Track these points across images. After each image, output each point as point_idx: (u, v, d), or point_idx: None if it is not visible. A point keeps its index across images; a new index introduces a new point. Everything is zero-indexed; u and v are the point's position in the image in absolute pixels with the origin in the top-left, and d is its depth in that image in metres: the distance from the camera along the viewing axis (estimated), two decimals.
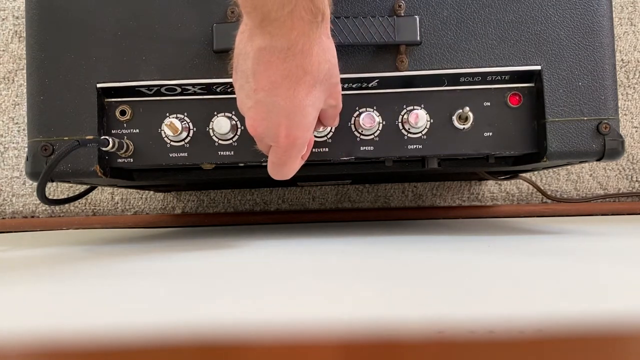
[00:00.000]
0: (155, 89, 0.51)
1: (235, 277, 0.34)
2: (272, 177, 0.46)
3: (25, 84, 0.80)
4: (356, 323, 0.21)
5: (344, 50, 0.50)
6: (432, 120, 0.51)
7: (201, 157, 0.51)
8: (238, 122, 0.51)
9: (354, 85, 0.51)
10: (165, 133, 0.50)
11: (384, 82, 0.51)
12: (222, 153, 0.51)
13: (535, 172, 0.87)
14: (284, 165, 0.44)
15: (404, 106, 0.51)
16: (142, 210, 0.90)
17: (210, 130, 0.51)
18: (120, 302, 0.27)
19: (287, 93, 0.40)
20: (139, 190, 0.89)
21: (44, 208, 0.89)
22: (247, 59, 0.40)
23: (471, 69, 0.50)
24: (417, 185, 0.89)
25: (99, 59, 0.51)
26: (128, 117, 0.51)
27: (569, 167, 0.87)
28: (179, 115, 0.51)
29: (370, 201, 0.90)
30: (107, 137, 0.48)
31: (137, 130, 0.51)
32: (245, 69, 0.41)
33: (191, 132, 0.51)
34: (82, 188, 0.78)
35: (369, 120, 0.50)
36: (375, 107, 0.51)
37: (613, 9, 0.54)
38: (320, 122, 0.47)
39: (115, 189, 0.89)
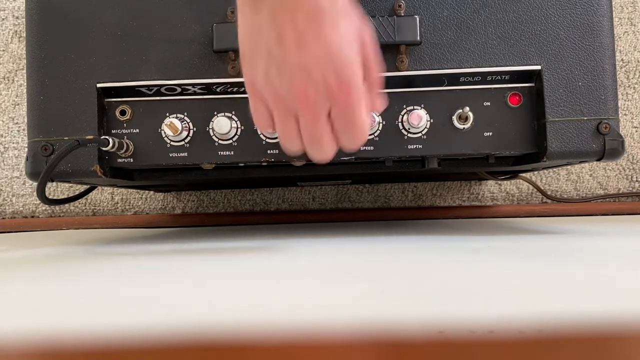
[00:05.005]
0: (155, 89, 0.51)
1: (234, 277, 0.34)
2: (347, 148, 0.42)
3: (25, 84, 0.80)
4: (356, 323, 0.21)
5: None
6: (432, 120, 0.51)
7: (201, 157, 0.51)
8: (238, 122, 0.51)
9: None
10: (165, 133, 0.50)
11: (384, 82, 0.51)
12: (222, 153, 0.51)
13: (535, 172, 0.87)
14: (354, 122, 0.40)
15: (404, 106, 0.51)
16: (142, 210, 0.90)
17: (210, 130, 0.51)
18: (120, 302, 0.27)
19: (315, 39, 0.38)
20: (139, 190, 0.89)
21: (44, 208, 0.89)
22: (262, 28, 0.38)
23: (471, 69, 0.50)
24: (417, 185, 0.89)
25: (99, 59, 0.51)
26: (128, 117, 0.51)
27: (569, 167, 0.87)
28: (179, 115, 0.51)
29: (370, 201, 0.90)
30: (107, 137, 0.48)
31: (137, 130, 0.51)
32: (268, 39, 0.39)
33: (191, 132, 0.51)
34: (82, 188, 0.78)
35: (369, 120, 0.49)
36: None
37: (613, 9, 0.54)
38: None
39: (115, 189, 0.89)
